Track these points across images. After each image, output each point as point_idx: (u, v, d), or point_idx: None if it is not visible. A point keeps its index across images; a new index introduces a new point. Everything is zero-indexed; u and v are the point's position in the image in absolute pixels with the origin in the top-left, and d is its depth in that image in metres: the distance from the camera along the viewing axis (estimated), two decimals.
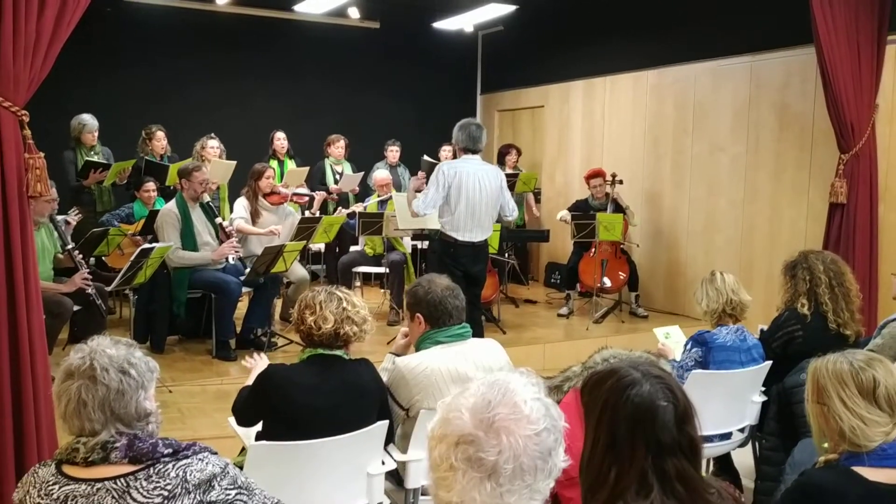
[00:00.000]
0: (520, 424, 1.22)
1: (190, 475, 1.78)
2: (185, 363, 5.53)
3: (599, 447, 1.52)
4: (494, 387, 1.26)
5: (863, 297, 5.40)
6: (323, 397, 2.54)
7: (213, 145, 7.13)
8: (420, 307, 2.90)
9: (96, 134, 6.66)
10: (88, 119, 6.58)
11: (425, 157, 8.17)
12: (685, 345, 3.52)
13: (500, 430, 1.21)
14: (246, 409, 2.72)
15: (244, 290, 5.84)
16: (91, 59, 7.59)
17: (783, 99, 6.48)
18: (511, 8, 8.39)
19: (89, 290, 4.75)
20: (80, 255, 4.95)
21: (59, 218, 5.20)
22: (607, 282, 7.19)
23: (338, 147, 8.07)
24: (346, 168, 8.11)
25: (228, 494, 1.83)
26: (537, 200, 8.94)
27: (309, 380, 2.57)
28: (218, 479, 1.82)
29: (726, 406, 3.39)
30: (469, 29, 9.54)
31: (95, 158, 6.53)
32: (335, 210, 7.62)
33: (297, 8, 8.52)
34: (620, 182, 7.41)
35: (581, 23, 8.46)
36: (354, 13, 8.84)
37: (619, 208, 7.31)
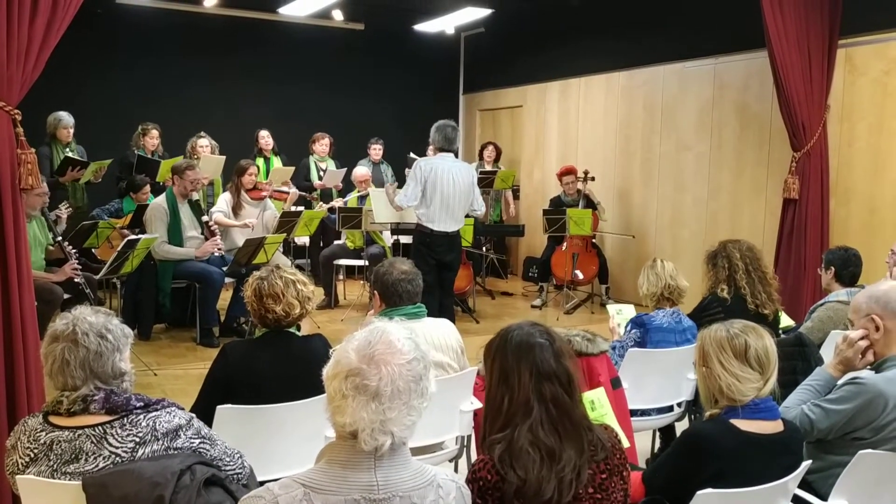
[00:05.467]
0: (394, 356, 1.54)
1: (159, 425, 2.05)
2: (170, 349, 5.82)
3: (493, 383, 1.89)
4: (374, 331, 1.59)
5: (812, 287, 5.78)
6: (280, 368, 2.81)
7: (203, 144, 7.46)
8: (377, 286, 3.22)
9: (72, 131, 6.79)
10: (64, 116, 6.74)
11: (411, 155, 8.48)
12: (626, 326, 3.82)
13: (379, 361, 1.53)
14: (204, 392, 2.85)
15: (227, 280, 6.13)
16: (79, 59, 7.79)
17: (743, 99, 6.79)
18: (487, 11, 8.68)
19: (78, 279, 5.02)
20: (70, 247, 5.22)
21: (51, 213, 5.47)
22: (579, 274, 7.49)
23: (322, 144, 8.37)
24: (330, 165, 8.40)
25: (193, 442, 2.11)
26: (516, 197, 9.23)
27: (266, 353, 2.84)
28: (183, 429, 2.10)
29: (662, 382, 3.68)
30: (450, 31, 9.83)
31: (71, 156, 6.69)
32: (318, 206, 7.91)
33: (281, 10, 8.79)
34: (592, 179, 7.72)
35: (557, 26, 8.76)
36: (339, 15, 9.12)
37: (590, 204, 7.61)
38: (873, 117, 5.81)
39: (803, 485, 2.43)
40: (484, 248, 8.40)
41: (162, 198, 6.02)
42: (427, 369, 1.58)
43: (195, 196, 6.22)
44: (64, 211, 5.97)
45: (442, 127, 5.73)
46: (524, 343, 1.86)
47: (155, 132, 7.36)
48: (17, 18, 3.14)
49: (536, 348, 1.85)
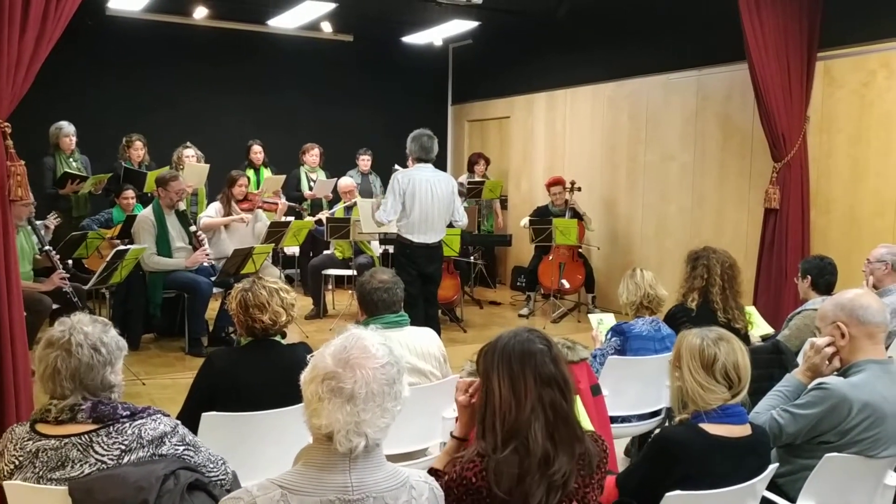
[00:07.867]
0: (369, 360, 1.60)
1: (144, 433, 2.10)
2: (159, 359, 5.86)
3: (496, 389, 1.90)
4: (349, 337, 1.66)
5: (793, 296, 5.85)
6: (264, 375, 2.86)
7: (188, 154, 7.50)
8: (357, 294, 3.31)
9: (74, 139, 6.90)
10: (65, 125, 6.86)
11: (396, 167, 8.55)
12: (606, 334, 3.89)
13: (354, 365, 1.59)
14: (190, 400, 2.88)
15: (216, 290, 6.17)
16: (70, 71, 7.83)
17: (726, 111, 6.90)
18: (475, 23, 8.77)
19: (66, 289, 5.06)
20: (58, 256, 5.26)
21: (39, 223, 5.51)
22: (566, 283, 7.56)
23: (312, 155, 8.45)
24: (321, 175, 8.47)
25: (177, 449, 2.16)
26: (503, 207, 9.32)
27: (251, 361, 2.90)
28: (168, 436, 2.15)
29: (642, 389, 3.74)
30: (438, 42, 9.91)
31: (74, 166, 6.80)
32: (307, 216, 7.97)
33: (271, 22, 8.86)
34: (579, 189, 7.81)
35: (544, 38, 8.87)
36: (327, 27, 9.20)
37: (576, 214, 7.70)
38: (852, 128, 5.91)
39: (773, 488, 2.50)
40: (472, 258, 8.46)
41: (149, 210, 6.07)
42: (400, 374, 1.65)
43: (181, 206, 6.27)
44: (52, 221, 6.01)
45: (417, 137, 5.66)
46: (527, 350, 1.91)
47: (139, 143, 7.40)
48: (6, 33, 3.20)
49: (537, 353, 1.91)
